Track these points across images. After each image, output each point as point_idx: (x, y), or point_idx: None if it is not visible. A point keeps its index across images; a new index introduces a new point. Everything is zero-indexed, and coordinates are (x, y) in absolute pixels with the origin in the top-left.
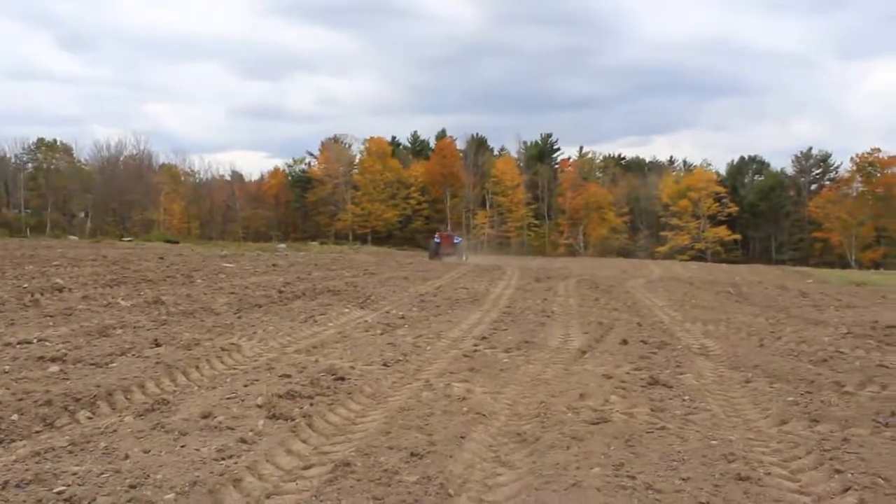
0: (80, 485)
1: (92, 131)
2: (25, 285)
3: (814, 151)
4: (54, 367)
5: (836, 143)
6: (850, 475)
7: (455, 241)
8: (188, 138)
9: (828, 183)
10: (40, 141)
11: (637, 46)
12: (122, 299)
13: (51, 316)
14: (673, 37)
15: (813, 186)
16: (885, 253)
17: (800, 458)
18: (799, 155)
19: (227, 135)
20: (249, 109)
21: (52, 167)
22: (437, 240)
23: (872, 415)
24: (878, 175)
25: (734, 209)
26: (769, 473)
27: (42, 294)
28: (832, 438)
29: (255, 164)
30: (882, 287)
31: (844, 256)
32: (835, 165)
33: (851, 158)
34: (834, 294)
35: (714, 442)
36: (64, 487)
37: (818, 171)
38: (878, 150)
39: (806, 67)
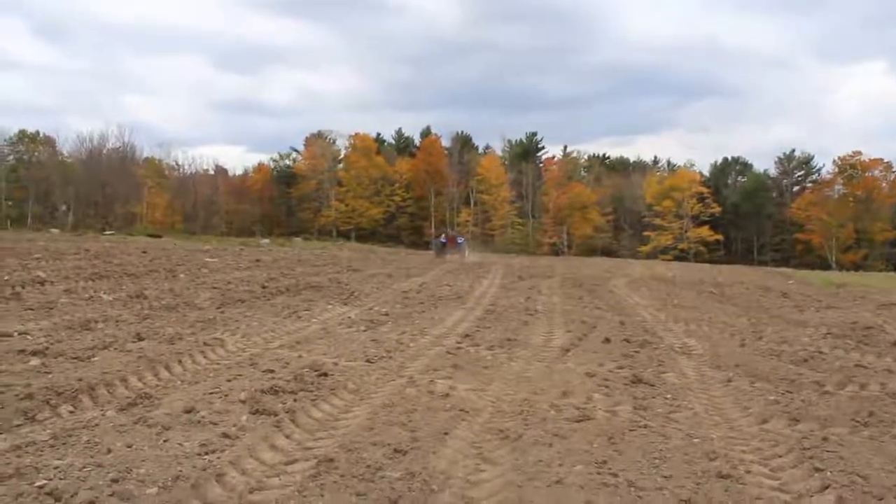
0: (61, 479)
1: (68, 123)
2: (6, 278)
3: (796, 153)
4: (35, 361)
5: (817, 145)
6: (829, 473)
7: (458, 241)
8: (166, 131)
9: (810, 185)
10: (22, 133)
11: (620, 46)
12: (105, 293)
13: (32, 309)
14: (656, 37)
15: (795, 188)
16: (864, 255)
17: (780, 456)
18: (782, 156)
19: (206, 128)
20: (228, 103)
21: (34, 159)
22: (443, 240)
23: (851, 414)
24: (859, 177)
25: (717, 210)
26: (750, 471)
27: (23, 287)
28: (812, 437)
29: (238, 159)
30: (861, 288)
31: (825, 258)
32: (817, 167)
33: (834, 161)
34: (814, 295)
35: (696, 440)
36: (45, 481)
37: (801, 173)
38: (860, 152)
39: (787, 69)
